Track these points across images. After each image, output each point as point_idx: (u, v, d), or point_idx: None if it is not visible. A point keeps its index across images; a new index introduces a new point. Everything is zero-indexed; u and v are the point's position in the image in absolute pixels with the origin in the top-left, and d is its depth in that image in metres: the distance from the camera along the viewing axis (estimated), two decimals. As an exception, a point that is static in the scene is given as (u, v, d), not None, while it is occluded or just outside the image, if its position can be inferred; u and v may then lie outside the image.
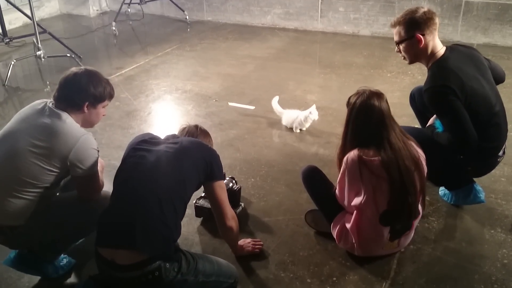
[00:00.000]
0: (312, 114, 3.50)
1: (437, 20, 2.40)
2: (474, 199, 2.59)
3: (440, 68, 2.38)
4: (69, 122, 2.05)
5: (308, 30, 6.05)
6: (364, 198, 2.10)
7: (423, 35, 2.37)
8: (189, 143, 2.08)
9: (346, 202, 2.22)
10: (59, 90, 2.12)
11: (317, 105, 3.62)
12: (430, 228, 2.51)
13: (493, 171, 2.96)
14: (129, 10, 6.75)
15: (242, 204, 2.71)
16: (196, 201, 2.62)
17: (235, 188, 2.66)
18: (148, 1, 6.48)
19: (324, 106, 3.90)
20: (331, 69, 4.78)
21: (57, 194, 2.28)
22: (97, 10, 7.11)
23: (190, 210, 2.64)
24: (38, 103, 2.14)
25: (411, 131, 2.73)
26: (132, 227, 1.81)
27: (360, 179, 2.08)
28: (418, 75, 4.43)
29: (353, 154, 2.10)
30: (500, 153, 2.55)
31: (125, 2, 6.35)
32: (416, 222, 2.26)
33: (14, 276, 2.28)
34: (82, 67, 2.20)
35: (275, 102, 3.73)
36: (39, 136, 2.00)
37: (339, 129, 3.55)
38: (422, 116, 2.89)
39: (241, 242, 2.36)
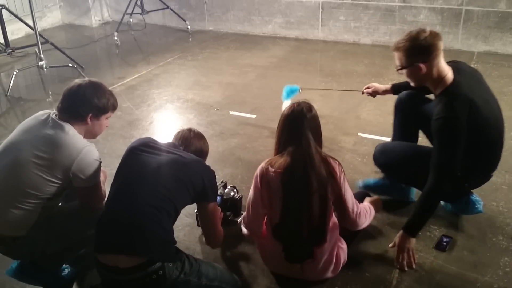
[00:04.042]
0: None
1: (440, 44, 2.24)
2: (472, 210, 2.58)
3: (455, 96, 2.23)
4: (72, 134, 2.06)
5: (309, 39, 6.07)
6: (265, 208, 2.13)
7: (424, 62, 2.24)
8: (191, 160, 2.10)
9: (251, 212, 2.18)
10: (63, 101, 2.13)
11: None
12: (432, 237, 2.51)
13: (494, 179, 2.95)
14: (131, 20, 6.78)
15: (244, 213, 2.71)
16: (197, 211, 2.62)
17: (237, 197, 2.67)
18: (150, 11, 6.52)
19: (325, 115, 3.90)
20: (332, 78, 4.79)
21: (59, 204, 2.29)
22: (99, 20, 7.15)
23: (191, 219, 2.65)
24: (41, 114, 2.15)
25: (403, 146, 2.70)
26: (130, 233, 1.84)
27: (259, 189, 2.10)
28: (419, 83, 4.44)
29: (263, 164, 2.11)
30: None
31: (127, 12, 6.38)
32: (321, 254, 2.12)
33: (16, 287, 2.28)
34: (86, 79, 2.21)
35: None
36: (42, 148, 2.02)
37: (341, 137, 3.61)
38: (404, 124, 2.81)
39: None
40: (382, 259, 2.37)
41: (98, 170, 2.09)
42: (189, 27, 6.52)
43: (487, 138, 2.35)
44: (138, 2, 6.39)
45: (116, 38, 6.15)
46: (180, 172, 2.00)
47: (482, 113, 2.27)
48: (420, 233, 2.50)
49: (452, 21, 5.32)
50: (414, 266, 2.29)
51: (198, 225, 2.64)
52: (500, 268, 2.30)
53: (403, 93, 2.82)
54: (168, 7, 6.48)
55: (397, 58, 2.34)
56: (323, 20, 5.93)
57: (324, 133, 3.64)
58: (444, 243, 2.44)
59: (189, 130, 2.34)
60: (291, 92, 3.56)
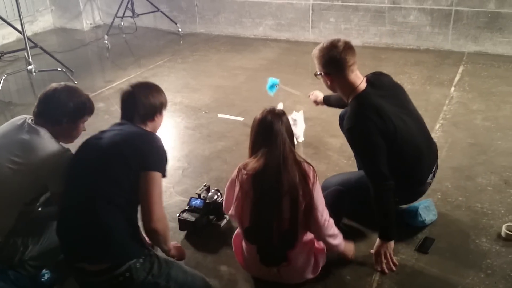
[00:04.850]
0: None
1: (350, 58, 2.27)
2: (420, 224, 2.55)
3: (360, 106, 2.26)
4: (47, 138, 2.05)
5: (299, 41, 6.06)
6: (234, 207, 2.12)
7: (332, 74, 2.30)
8: (125, 135, 1.95)
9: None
10: (38, 105, 2.13)
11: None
12: (414, 239, 2.50)
13: (479, 180, 2.98)
14: (122, 23, 6.77)
15: (227, 217, 2.70)
16: (179, 215, 2.61)
17: (220, 201, 2.66)
18: (141, 14, 6.50)
19: (313, 117, 3.90)
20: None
21: (39, 209, 2.28)
22: (90, 24, 7.13)
23: (174, 224, 2.63)
24: (18, 119, 2.15)
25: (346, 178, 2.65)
26: (88, 241, 1.84)
27: (233, 189, 2.11)
28: (408, 84, 4.43)
29: (240, 165, 2.12)
30: (429, 179, 2.49)
31: (118, 15, 6.37)
32: (296, 257, 2.11)
33: (-5, 293, 2.27)
34: (62, 83, 2.21)
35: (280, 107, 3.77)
36: (17, 152, 2.01)
37: (328, 139, 3.60)
38: None
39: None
40: (362, 262, 2.36)
41: (73, 175, 2.08)
42: (180, 29, 6.51)
43: (399, 150, 2.28)
44: (129, 5, 6.38)
45: (106, 41, 6.13)
46: (113, 157, 1.88)
47: (394, 121, 2.23)
48: (402, 235, 2.49)
49: (442, 21, 5.32)
50: (394, 268, 2.28)
51: (180, 229, 2.62)
52: (482, 270, 2.28)
53: (343, 111, 2.77)
54: (159, 10, 6.47)
55: (315, 64, 2.38)
56: (314, 22, 5.93)
57: (311, 134, 3.69)
58: (427, 245, 2.42)
59: (132, 87, 2.06)
60: (272, 86, 3.65)
